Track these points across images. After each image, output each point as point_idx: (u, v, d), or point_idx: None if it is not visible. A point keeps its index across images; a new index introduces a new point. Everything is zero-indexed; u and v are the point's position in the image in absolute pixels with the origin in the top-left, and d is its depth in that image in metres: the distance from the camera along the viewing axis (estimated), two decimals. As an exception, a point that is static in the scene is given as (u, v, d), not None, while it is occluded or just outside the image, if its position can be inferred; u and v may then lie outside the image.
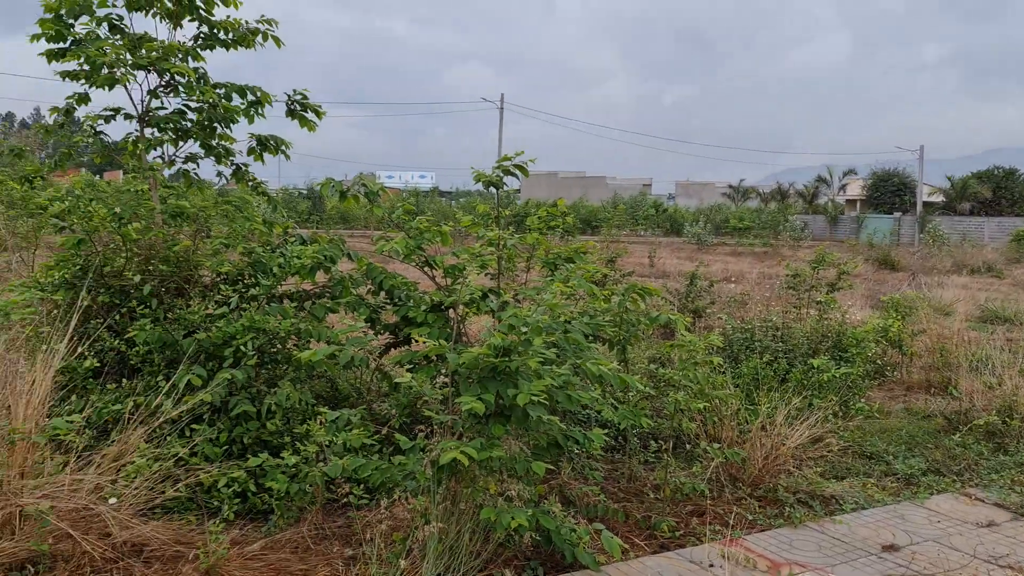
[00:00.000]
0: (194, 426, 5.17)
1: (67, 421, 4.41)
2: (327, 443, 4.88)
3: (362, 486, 4.99)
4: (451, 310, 5.87)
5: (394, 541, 4.20)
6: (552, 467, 4.84)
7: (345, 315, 6.25)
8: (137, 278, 5.92)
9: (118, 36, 7.08)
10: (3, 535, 3.82)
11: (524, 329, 4.06)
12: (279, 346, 5.82)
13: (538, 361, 4.07)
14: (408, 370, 5.58)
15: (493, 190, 5.54)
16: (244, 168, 7.91)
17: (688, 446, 6.43)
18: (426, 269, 6.15)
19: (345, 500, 5.01)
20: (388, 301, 6.16)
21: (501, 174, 5.46)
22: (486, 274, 6.37)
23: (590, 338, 5.47)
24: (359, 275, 6.27)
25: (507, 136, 73.43)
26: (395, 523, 4.46)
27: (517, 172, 5.47)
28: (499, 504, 4.07)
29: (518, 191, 68.64)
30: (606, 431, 5.55)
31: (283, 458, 4.88)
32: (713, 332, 7.98)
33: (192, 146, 7.61)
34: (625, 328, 6.04)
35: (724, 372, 6.89)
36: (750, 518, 5.47)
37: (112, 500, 4.15)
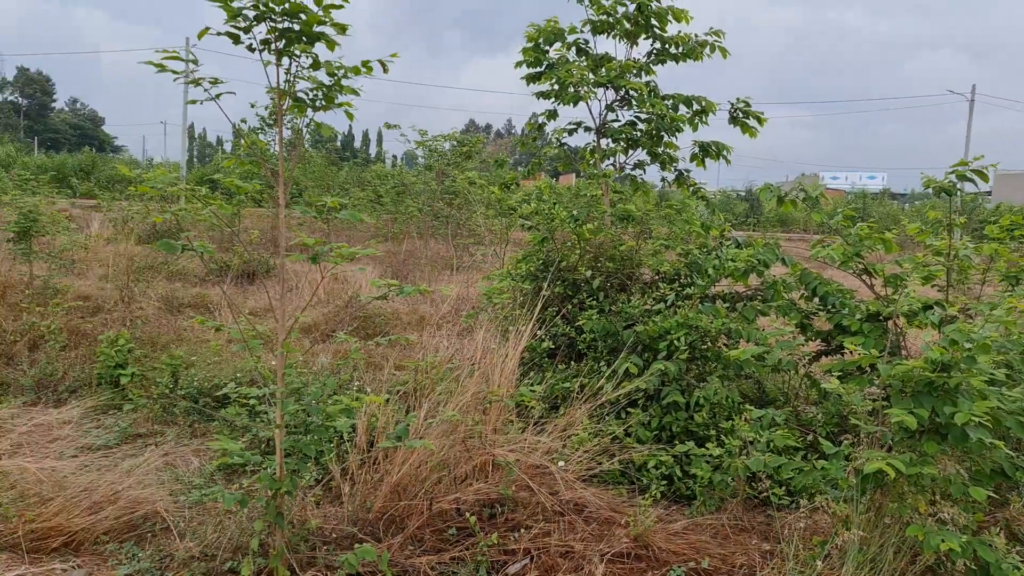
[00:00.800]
0: (629, 409, 5.72)
1: (530, 391, 5.21)
2: (750, 440, 5.05)
3: (783, 487, 5.07)
4: (889, 321, 5.63)
5: (813, 544, 4.24)
6: (996, 496, 4.44)
7: (775, 319, 6.33)
8: (588, 273, 6.66)
9: (583, 58, 8.00)
10: (479, 478, 4.69)
11: (968, 345, 3.81)
12: (710, 343, 6.12)
13: (983, 380, 3.79)
14: (838, 378, 5.49)
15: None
16: (685, 173, 8.39)
17: None
18: (864, 277, 5.96)
19: (764, 497, 5.14)
20: (821, 307, 6.10)
21: (955, 180, 5.10)
22: (933, 286, 5.96)
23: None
24: (792, 280, 6.30)
25: (978, 131, 65.04)
26: (814, 526, 4.50)
27: (975, 177, 5.06)
28: (928, 524, 3.89)
29: (988, 194, 60.47)
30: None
31: (708, 448, 5.17)
32: None
33: (640, 154, 8.30)
34: (1107, 355, 5.22)
35: None
36: None
37: (561, 463, 4.83)
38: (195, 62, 3.58)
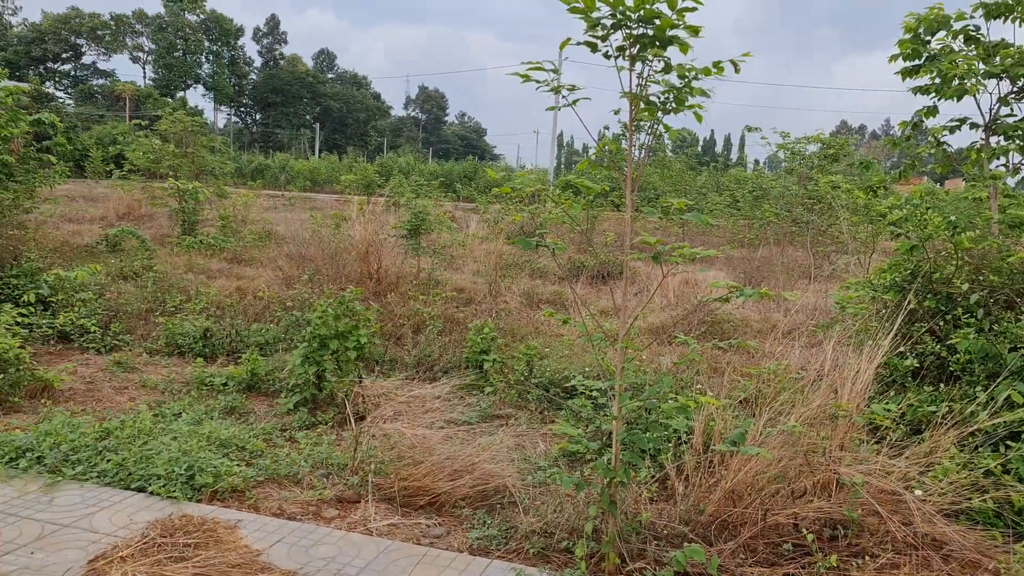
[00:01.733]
0: (1009, 442, 5.00)
1: (885, 409, 4.79)
2: None
3: None
4: None
5: None
6: None
7: None
8: (965, 286, 5.95)
9: (972, 47, 7.14)
10: (821, 495, 4.43)
11: None
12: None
13: None
14: None
15: None
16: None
17: None
18: None
19: None
20: None
21: None
22: None
23: None
24: None
25: None
26: None
27: None
28: None
29: None
30: None
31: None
32: None
33: (1042, 153, 7.20)
34: None
35: None
36: None
37: (918, 492, 4.38)
38: (556, 71, 3.85)
